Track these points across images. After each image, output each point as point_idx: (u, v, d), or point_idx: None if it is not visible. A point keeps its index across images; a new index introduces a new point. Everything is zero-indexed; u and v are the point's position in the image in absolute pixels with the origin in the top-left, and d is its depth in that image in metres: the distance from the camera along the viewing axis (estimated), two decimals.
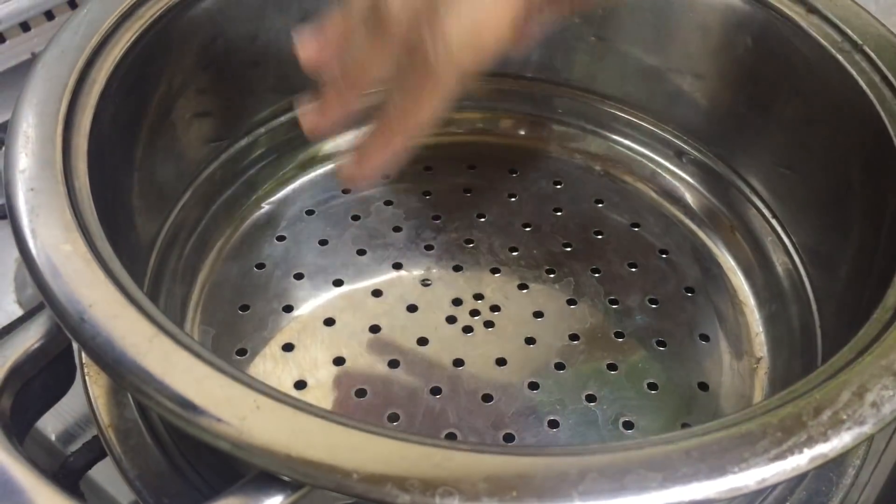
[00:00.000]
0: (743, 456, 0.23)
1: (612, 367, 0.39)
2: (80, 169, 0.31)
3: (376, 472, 0.22)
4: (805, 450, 0.23)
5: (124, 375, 0.25)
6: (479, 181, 0.48)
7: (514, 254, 0.44)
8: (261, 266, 0.43)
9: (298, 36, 0.32)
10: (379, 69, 0.30)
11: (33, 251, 0.27)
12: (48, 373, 0.30)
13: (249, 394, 0.24)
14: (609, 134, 0.50)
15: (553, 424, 0.37)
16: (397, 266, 0.43)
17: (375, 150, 0.31)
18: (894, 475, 0.40)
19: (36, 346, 0.29)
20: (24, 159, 0.30)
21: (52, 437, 0.42)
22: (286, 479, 0.24)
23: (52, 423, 0.42)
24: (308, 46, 0.32)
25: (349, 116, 0.32)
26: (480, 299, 0.42)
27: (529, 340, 0.40)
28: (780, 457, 0.23)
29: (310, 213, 0.45)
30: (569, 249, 0.44)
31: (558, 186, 0.48)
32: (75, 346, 0.31)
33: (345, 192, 0.46)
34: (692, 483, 0.22)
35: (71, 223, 0.28)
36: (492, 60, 0.29)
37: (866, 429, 0.24)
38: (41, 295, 0.26)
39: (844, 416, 0.24)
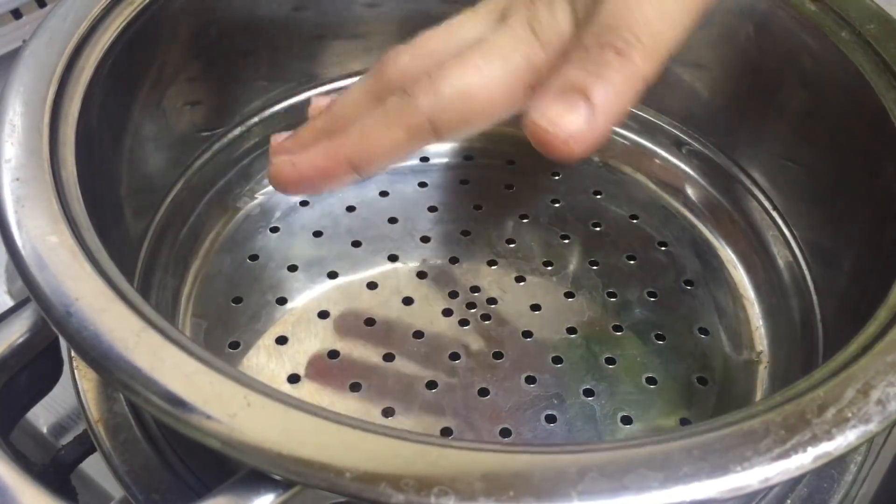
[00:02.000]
0: (746, 455, 0.22)
1: (610, 360, 0.39)
2: (67, 159, 0.30)
3: (370, 471, 0.22)
4: (809, 448, 0.23)
5: (111, 371, 0.24)
6: (476, 172, 0.47)
7: (511, 246, 0.43)
8: (254, 258, 0.42)
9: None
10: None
11: (18, 243, 0.27)
12: (34, 368, 0.29)
13: (240, 390, 0.24)
14: None
15: (550, 419, 0.36)
16: (393, 258, 0.42)
17: (317, 155, 0.29)
18: (893, 469, 0.40)
19: (21, 339, 0.29)
20: (10, 148, 0.29)
21: (44, 430, 0.41)
22: (277, 477, 0.23)
23: (43, 416, 0.41)
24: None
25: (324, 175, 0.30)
26: (477, 292, 0.41)
27: (526, 334, 0.39)
28: (784, 455, 0.23)
29: (304, 203, 0.45)
30: (566, 241, 0.44)
31: (556, 177, 0.47)
32: (62, 339, 0.30)
33: None
34: (694, 482, 0.22)
35: (57, 214, 0.28)
36: (476, 128, 0.29)
37: (872, 427, 0.24)
38: (26, 288, 0.26)
39: (849, 414, 0.24)
